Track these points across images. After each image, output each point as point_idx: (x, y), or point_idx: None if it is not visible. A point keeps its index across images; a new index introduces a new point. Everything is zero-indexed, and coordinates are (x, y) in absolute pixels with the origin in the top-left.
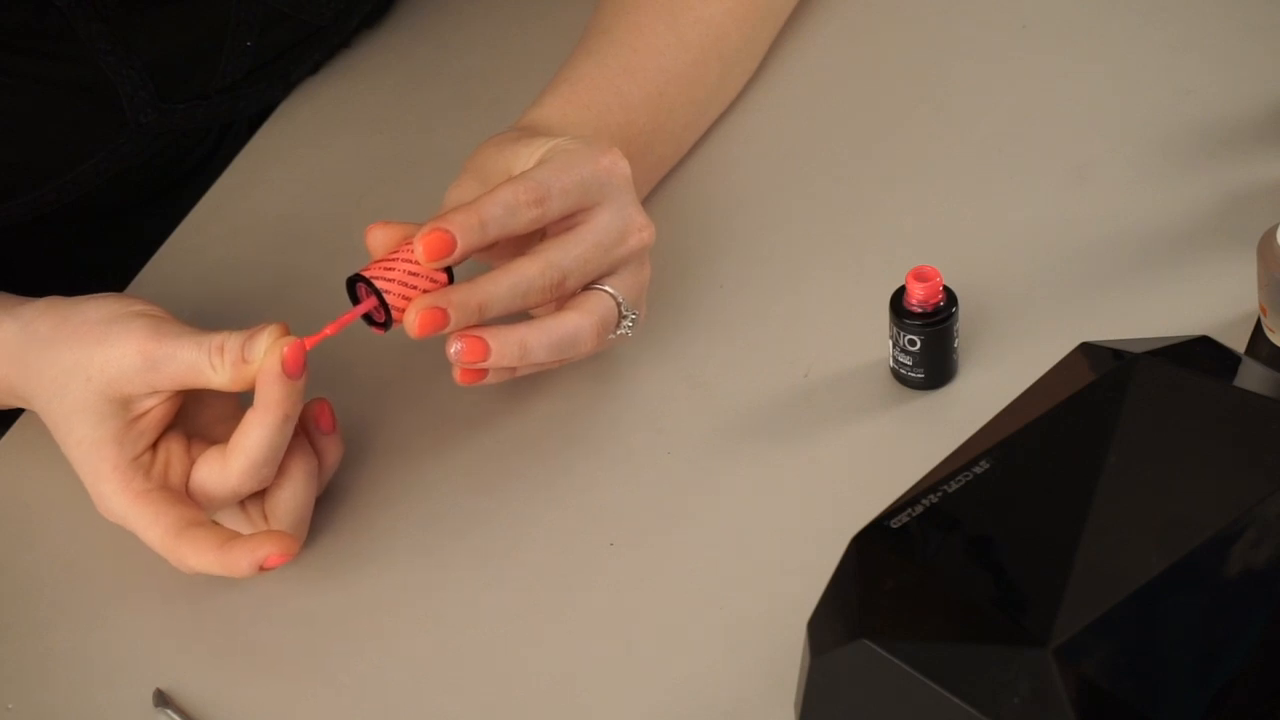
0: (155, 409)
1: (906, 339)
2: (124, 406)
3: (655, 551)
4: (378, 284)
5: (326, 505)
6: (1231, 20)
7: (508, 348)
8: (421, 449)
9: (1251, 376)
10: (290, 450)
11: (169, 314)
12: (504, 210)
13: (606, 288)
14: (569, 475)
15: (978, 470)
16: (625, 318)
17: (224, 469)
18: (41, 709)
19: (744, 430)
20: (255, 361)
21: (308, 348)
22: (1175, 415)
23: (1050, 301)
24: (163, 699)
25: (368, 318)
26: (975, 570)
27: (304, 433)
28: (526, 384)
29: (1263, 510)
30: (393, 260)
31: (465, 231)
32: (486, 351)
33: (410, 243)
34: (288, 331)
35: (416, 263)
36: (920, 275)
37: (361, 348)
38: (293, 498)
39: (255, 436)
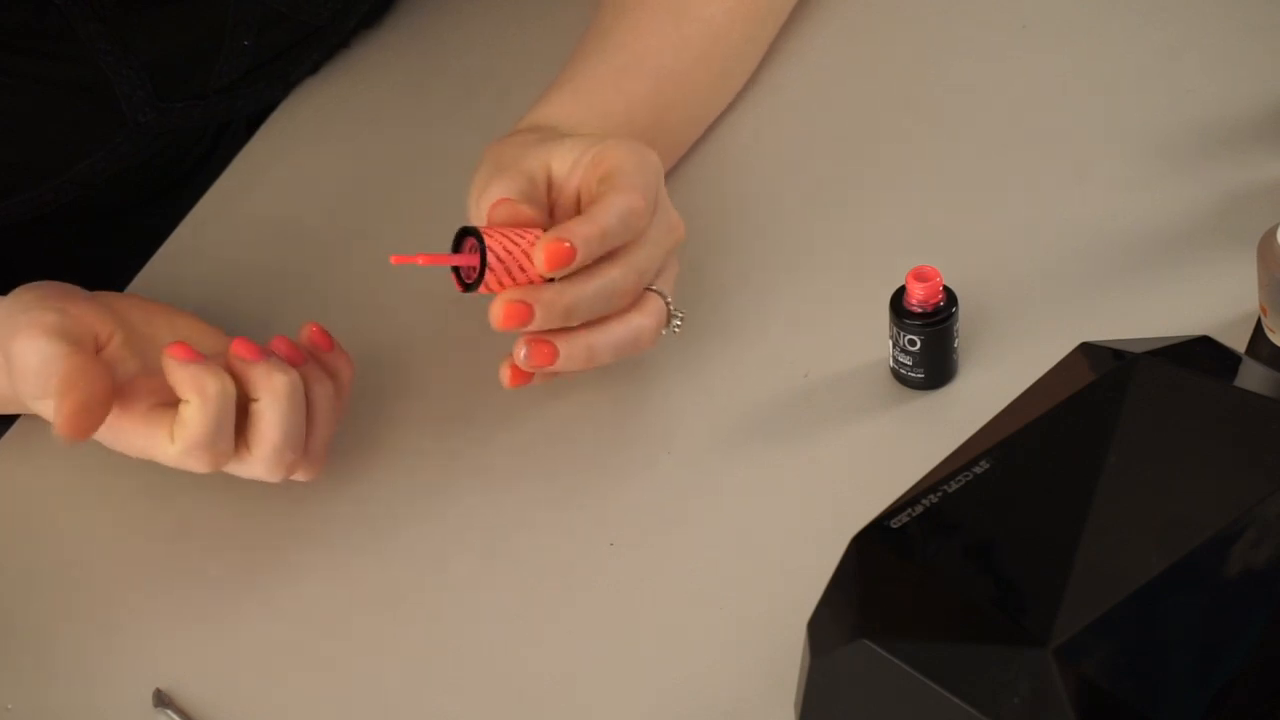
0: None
1: (906, 339)
2: None
3: (655, 552)
4: (495, 249)
5: (326, 504)
6: (1231, 20)
7: (576, 350)
8: (421, 449)
9: (1251, 376)
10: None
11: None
12: (619, 221)
13: (656, 287)
14: (569, 475)
15: (978, 470)
16: (675, 317)
17: (245, 458)
18: (41, 709)
19: (744, 430)
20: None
21: (396, 262)
22: (1175, 415)
23: (1050, 301)
24: (163, 699)
25: (457, 271)
26: (975, 570)
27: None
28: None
29: (1263, 510)
30: (517, 238)
31: (586, 244)
32: (555, 356)
33: (535, 230)
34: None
35: (529, 254)
36: (920, 275)
37: (361, 347)
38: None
39: (267, 418)
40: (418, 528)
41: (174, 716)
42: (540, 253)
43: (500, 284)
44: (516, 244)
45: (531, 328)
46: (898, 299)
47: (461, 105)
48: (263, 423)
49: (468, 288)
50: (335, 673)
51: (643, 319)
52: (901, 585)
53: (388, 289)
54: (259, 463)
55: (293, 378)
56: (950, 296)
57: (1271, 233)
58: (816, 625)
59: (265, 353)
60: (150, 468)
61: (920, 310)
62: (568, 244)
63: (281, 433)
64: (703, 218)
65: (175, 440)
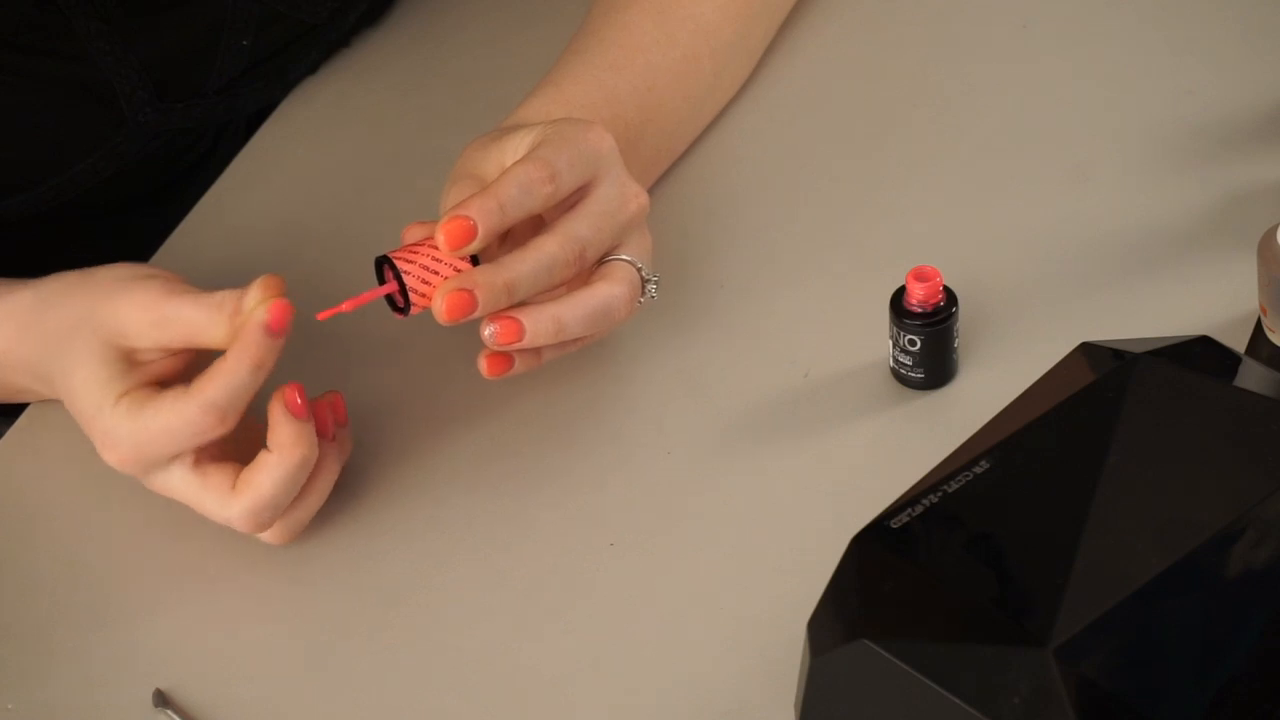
0: (159, 363)
1: (906, 339)
2: (127, 357)
3: (655, 552)
4: (399, 265)
5: (326, 505)
6: (1231, 21)
7: (542, 325)
8: (421, 450)
9: (1251, 376)
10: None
11: (183, 280)
12: (519, 190)
13: (624, 256)
14: (569, 475)
15: (978, 470)
16: (648, 282)
17: (226, 501)
18: (41, 709)
19: (744, 430)
20: (247, 311)
21: (322, 318)
22: (1175, 415)
23: (1050, 301)
24: (163, 699)
25: (390, 301)
26: (975, 570)
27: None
28: (527, 383)
29: (1263, 510)
30: (418, 247)
31: (484, 215)
32: (521, 331)
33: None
34: (280, 287)
35: (438, 250)
36: (920, 275)
37: (360, 348)
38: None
39: (267, 476)
40: (418, 528)
41: (174, 716)
42: (440, 233)
43: (429, 289)
44: (430, 249)
45: (479, 312)
46: (898, 299)
47: (462, 105)
48: (262, 475)
49: (404, 311)
50: (335, 673)
51: (611, 287)
52: (901, 585)
53: None
54: (237, 507)
55: (312, 453)
56: (950, 296)
57: (1271, 233)
58: (816, 625)
59: (309, 413)
60: None
61: (920, 310)
62: (464, 218)
63: (273, 493)
64: (703, 217)
65: (240, 497)
